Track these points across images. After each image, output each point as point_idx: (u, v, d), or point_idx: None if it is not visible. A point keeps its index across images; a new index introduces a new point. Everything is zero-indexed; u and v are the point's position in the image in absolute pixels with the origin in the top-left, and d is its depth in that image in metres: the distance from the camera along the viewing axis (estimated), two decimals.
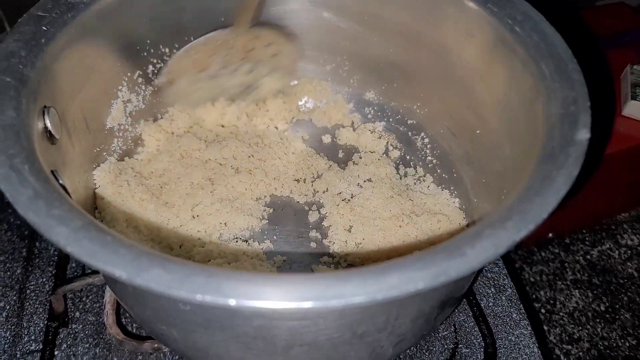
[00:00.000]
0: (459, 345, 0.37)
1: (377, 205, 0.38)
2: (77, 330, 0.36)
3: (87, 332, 0.36)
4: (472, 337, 0.37)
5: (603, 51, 0.58)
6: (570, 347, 0.56)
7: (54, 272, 0.39)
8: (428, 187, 0.40)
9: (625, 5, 0.67)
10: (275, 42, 0.37)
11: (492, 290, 0.40)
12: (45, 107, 0.28)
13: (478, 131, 0.36)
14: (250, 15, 0.35)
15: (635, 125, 0.54)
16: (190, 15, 0.37)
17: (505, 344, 0.37)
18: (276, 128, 0.43)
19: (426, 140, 0.42)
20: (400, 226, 0.37)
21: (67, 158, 0.31)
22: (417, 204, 0.38)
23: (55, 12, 0.30)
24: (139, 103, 0.38)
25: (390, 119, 0.44)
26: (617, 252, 0.64)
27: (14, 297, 0.38)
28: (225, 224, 0.36)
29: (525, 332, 0.38)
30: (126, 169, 0.37)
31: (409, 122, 0.43)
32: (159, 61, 0.38)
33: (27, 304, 0.38)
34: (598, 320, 0.59)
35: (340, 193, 0.39)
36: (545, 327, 0.57)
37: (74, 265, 0.39)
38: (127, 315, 0.36)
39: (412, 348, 0.36)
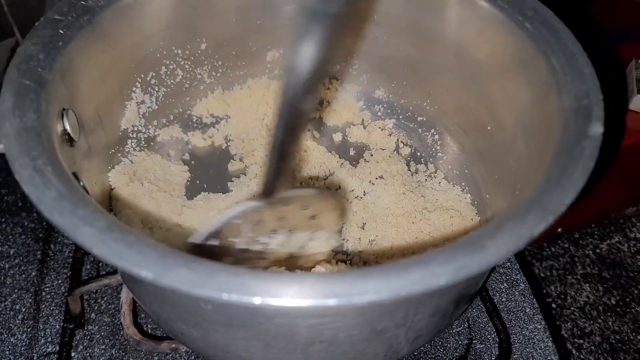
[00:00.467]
0: (473, 341, 0.37)
1: (389, 202, 0.38)
2: (93, 331, 0.36)
3: (103, 333, 0.36)
4: (486, 333, 0.37)
5: (610, 45, 0.58)
6: (582, 341, 0.56)
7: (69, 274, 0.39)
8: (439, 183, 0.40)
9: (629, 0, 0.67)
10: (312, 204, 0.30)
11: (505, 285, 0.40)
12: (63, 109, 0.28)
13: (489, 127, 0.37)
14: (280, 184, 0.26)
15: None
16: (204, 17, 0.37)
17: (519, 339, 0.37)
18: None
19: (436, 136, 0.42)
20: (413, 222, 0.37)
21: (84, 160, 0.31)
22: (429, 200, 0.39)
23: (71, 15, 0.30)
24: (152, 104, 0.39)
25: (400, 116, 0.44)
26: (626, 245, 0.64)
27: (30, 300, 0.38)
28: None
29: (539, 327, 0.38)
30: (140, 170, 0.37)
31: (419, 119, 0.43)
32: (172, 62, 0.38)
33: (43, 306, 0.38)
34: (609, 314, 0.59)
35: (352, 191, 0.39)
36: (557, 322, 0.57)
37: (88, 267, 0.40)
38: (144, 315, 0.37)
39: (426, 345, 0.36)
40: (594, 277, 0.62)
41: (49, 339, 0.36)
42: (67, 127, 0.28)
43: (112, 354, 0.35)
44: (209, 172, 0.40)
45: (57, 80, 0.28)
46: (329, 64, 0.20)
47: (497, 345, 0.37)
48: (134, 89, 0.37)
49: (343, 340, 0.25)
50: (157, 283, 0.19)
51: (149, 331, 0.36)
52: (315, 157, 0.41)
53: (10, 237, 0.42)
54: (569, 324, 0.58)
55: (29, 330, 0.37)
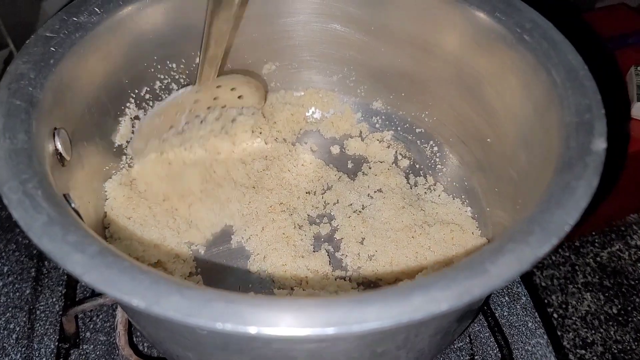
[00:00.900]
0: (475, 357, 0.36)
1: (388, 217, 0.38)
2: (88, 350, 0.36)
3: (98, 352, 0.35)
4: (488, 348, 0.37)
5: (608, 53, 0.57)
6: (584, 351, 0.56)
7: (63, 292, 0.38)
8: (439, 196, 0.40)
9: (626, 6, 0.67)
10: (238, 86, 0.37)
11: (507, 299, 0.39)
12: (55, 128, 0.28)
13: (489, 139, 0.36)
14: (213, 72, 0.34)
15: None
16: (197, 31, 0.37)
17: (522, 354, 0.37)
18: (284, 140, 0.42)
19: (435, 148, 0.42)
20: (412, 237, 0.36)
21: (77, 178, 0.30)
22: (428, 213, 0.38)
23: (63, 32, 0.30)
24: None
25: (399, 128, 0.43)
26: (627, 253, 0.64)
27: (24, 319, 0.38)
28: None
29: (541, 342, 0.37)
30: (136, 182, 0.37)
31: (417, 130, 0.43)
32: (166, 77, 0.38)
33: (38, 325, 0.37)
34: (611, 323, 0.59)
35: (351, 204, 0.39)
36: (559, 332, 0.57)
37: (83, 284, 0.39)
38: (139, 335, 0.36)
39: None
40: (595, 286, 0.62)
41: (44, 359, 0.35)
42: (59, 147, 0.27)
43: None
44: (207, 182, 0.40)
45: (49, 99, 0.27)
46: None
47: None
48: (127, 104, 0.36)
49: None
50: (149, 312, 0.19)
51: (145, 350, 0.36)
52: (312, 170, 0.41)
53: (3, 254, 0.41)
54: (570, 334, 0.57)
55: (23, 350, 0.36)
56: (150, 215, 0.35)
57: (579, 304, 0.60)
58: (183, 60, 0.38)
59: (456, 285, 0.19)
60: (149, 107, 0.38)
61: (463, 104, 0.38)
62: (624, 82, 0.55)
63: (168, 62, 0.37)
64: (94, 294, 0.38)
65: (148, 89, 0.37)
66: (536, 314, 0.39)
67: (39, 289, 0.39)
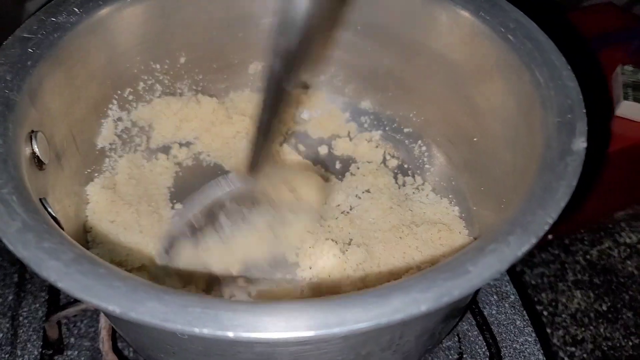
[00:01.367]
0: (464, 355, 0.36)
1: (376, 217, 0.37)
2: (72, 356, 0.35)
3: (82, 358, 0.35)
4: (477, 347, 0.37)
5: (593, 52, 0.58)
6: (574, 349, 0.56)
7: (46, 298, 0.38)
8: (427, 195, 0.40)
9: (613, 5, 0.67)
10: (293, 181, 0.31)
11: (495, 297, 0.39)
12: (32, 131, 0.27)
13: (476, 139, 0.36)
14: (265, 164, 0.28)
15: (629, 125, 0.54)
16: (182, 30, 0.37)
17: (510, 352, 0.37)
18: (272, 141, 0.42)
19: (423, 148, 0.42)
20: (400, 237, 0.36)
21: (57, 182, 0.30)
22: (416, 213, 0.38)
23: (41, 33, 0.29)
24: (129, 121, 0.38)
25: (387, 128, 0.43)
26: (616, 250, 0.64)
27: (7, 325, 0.37)
28: None
29: (529, 339, 0.37)
30: (119, 184, 0.36)
31: (405, 130, 0.43)
32: (150, 77, 0.38)
33: (21, 331, 0.37)
34: (600, 320, 0.59)
35: (338, 205, 0.39)
36: (549, 330, 0.57)
37: None
38: (124, 340, 0.36)
39: None
40: (585, 284, 0.62)
41: None
42: (36, 150, 0.27)
43: None
44: (192, 183, 0.39)
45: (26, 101, 0.27)
46: (312, 43, 0.21)
47: (487, 358, 0.36)
48: (110, 105, 0.36)
49: None
50: (126, 317, 0.19)
51: (130, 355, 0.35)
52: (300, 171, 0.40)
53: None
54: (560, 331, 0.57)
55: (6, 356, 0.35)
56: (133, 219, 0.34)
57: (568, 301, 0.60)
58: (167, 61, 0.38)
59: (436, 286, 0.19)
60: (133, 109, 0.38)
61: (450, 104, 0.38)
62: (607, 81, 0.56)
63: (151, 63, 0.37)
64: (76, 299, 0.38)
65: (131, 90, 0.37)
66: (524, 312, 0.39)
67: (22, 294, 0.38)
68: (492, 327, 0.37)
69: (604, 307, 0.61)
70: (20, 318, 0.37)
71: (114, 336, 0.35)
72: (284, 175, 0.31)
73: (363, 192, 0.39)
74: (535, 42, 0.30)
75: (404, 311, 0.19)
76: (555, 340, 0.57)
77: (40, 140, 0.27)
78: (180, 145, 0.41)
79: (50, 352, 0.35)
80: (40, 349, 0.35)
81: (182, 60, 0.38)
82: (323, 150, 0.43)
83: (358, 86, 0.43)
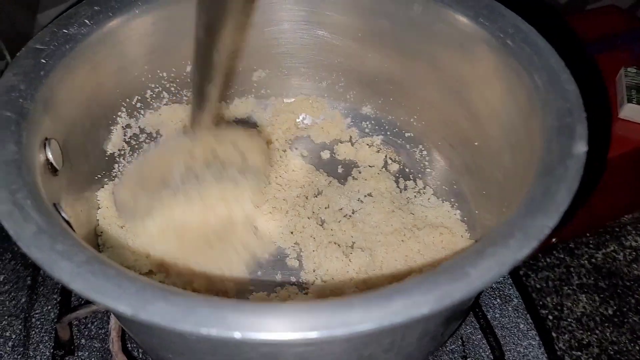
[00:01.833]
0: (467, 359, 0.37)
1: (378, 220, 0.38)
2: (83, 357, 0.36)
3: (93, 359, 0.36)
4: (480, 350, 0.37)
5: (596, 54, 0.58)
6: (579, 353, 0.56)
7: (58, 300, 0.39)
8: (428, 199, 0.40)
9: (616, 8, 0.67)
10: (240, 141, 0.32)
11: (498, 300, 0.40)
12: (46, 139, 0.28)
13: (476, 143, 0.37)
14: (208, 116, 0.30)
15: (633, 127, 0.54)
16: (188, 40, 0.37)
17: (514, 356, 0.37)
18: (276, 147, 0.43)
19: (424, 152, 0.42)
20: (402, 241, 0.37)
21: (69, 187, 0.31)
22: (418, 217, 0.39)
23: (53, 44, 0.30)
24: (137, 128, 0.39)
25: (388, 132, 0.44)
26: (621, 254, 0.64)
27: (20, 326, 0.38)
28: None
29: (533, 343, 0.37)
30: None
31: (406, 135, 0.43)
32: (157, 85, 0.39)
33: (33, 332, 0.37)
34: (606, 324, 0.59)
35: (341, 209, 0.39)
36: (554, 334, 0.57)
37: None
38: (133, 341, 0.36)
39: None
40: (590, 288, 0.62)
41: None
42: (50, 157, 0.28)
43: None
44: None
45: (40, 110, 0.28)
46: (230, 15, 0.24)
47: None
48: (119, 113, 0.37)
49: None
50: (136, 318, 0.19)
51: (140, 356, 0.36)
52: (303, 175, 0.41)
53: (0, 263, 0.42)
54: (566, 335, 0.57)
55: (19, 357, 0.36)
56: (141, 224, 0.35)
57: (574, 305, 0.60)
58: (174, 69, 0.39)
59: (437, 288, 0.20)
60: (141, 116, 0.39)
61: (450, 108, 0.38)
62: (611, 82, 0.56)
63: (159, 71, 0.38)
64: (88, 301, 0.38)
65: (139, 98, 0.38)
66: (528, 315, 0.39)
67: (35, 297, 0.39)
68: (495, 330, 0.38)
69: (610, 311, 0.60)
70: (33, 320, 0.38)
71: (123, 337, 0.35)
72: (230, 135, 0.32)
73: (365, 196, 0.40)
74: (534, 46, 0.31)
75: (406, 313, 0.19)
76: (560, 345, 0.57)
77: (54, 147, 0.28)
78: None
79: (62, 353, 0.36)
80: (51, 350, 0.36)
81: (188, 68, 0.39)
82: (325, 155, 0.43)
83: (359, 92, 0.44)
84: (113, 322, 0.35)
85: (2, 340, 0.37)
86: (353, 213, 0.39)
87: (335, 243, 0.37)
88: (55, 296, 0.39)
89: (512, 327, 0.38)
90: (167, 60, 0.38)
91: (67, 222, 0.26)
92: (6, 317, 0.39)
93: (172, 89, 0.39)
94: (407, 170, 0.42)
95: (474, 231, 0.37)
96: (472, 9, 0.33)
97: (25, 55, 0.29)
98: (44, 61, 0.29)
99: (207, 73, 0.27)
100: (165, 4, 0.35)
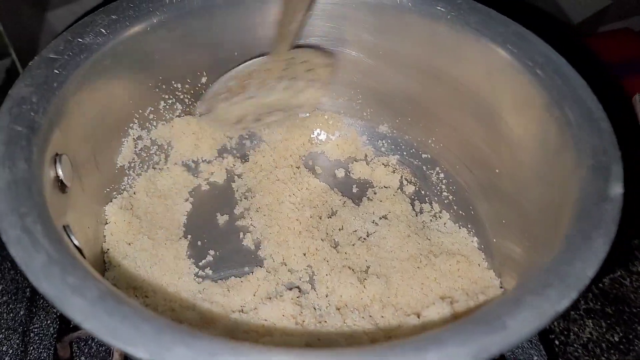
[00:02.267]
0: None
1: (393, 245, 0.37)
2: None
3: None
4: None
5: (614, 79, 0.57)
6: None
7: (58, 314, 0.37)
8: (445, 224, 0.39)
9: (630, 30, 0.66)
10: (310, 59, 0.38)
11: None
12: (57, 154, 0.27)
13: (497, 170, 0.36)
14: (287, 45, 0.35)
15: None
16: (203, 51, 0.36)
17: None
18: (290, 165, 0.42)
19: (441, 175, 0.41)
20: (418, 267, 0.35)
21: (77, 202, 0.29)
22: (434, 243, 0.37)
23: (67, 54, 0.29)
24: (149, 139, 0.37)
25: (404, 152, 0.43)
26: (628, 279, 0.63)
27: (17, 341, 0.36)
28: None
29: None
30: (136, 205, 0.36)
31: (423, 155, 0.42)
32: (171, 96, 0.37)
33: (31, 348, 0.36)
34: (612, 351, 0.58)
35: (355, 231, 0.38)
36: None
37: None
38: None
39: None
40: (597, 313, 0.61)
41: None
42: (60, 174, 0.26)
43: None
44: (209, 202, 0.39)
45: (51, 124, 0.26)
46: None
47: None
48: (131, 124, 0.35)
49: None
50: None
51: None
52: (317, 194, 0.40)
53: None
54: None
55: None
56: (149, 244, 0.34)
57: (580, 330, 0.59)
58: (188, 80, 0.37)
59: (473, 341, 0.19)
60: (153, 127, 0.37)
61: (471, 132, 0.37)
62: (632, 109, 0.55)
63: (173, 82, 0.37)
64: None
65: (152, 109, 0.37)
66: (541, 347, 0.38)
67: (34, 310, 0.38)
68: None
69: (616, 338, 0.60)
70: (31, 334, 0.37)
71: (126, 357, 0.34)
72: (302, 54, 0.37)
73: (380, 218, 0.39)
74: (564, 78, 0.30)
75: None
76: None
77: (65, 163, 0.27)
78: (198, 164, 0.41)
79: None
80: None
81: (204, 80, 0.38)
82: (340, 173, 0.42)
83: (376, 110, 0.43)
84: None
85: None
86: (368, 236, 0.38)
87: (349, 267, 0.36)
88: (55, 310, 0.38)
89: (525, 358, 0.37)
90: (182, 71, 0.37)
91: (78, 249, 0.25)
92: (3, 331, 0.37)
93: (186, 100, 0.38)
94: (423, 192, 0.41)
95: (492, 260, 0.36)
96: (500, 35, 0.32)
97: (38, 65, 0.28)
98: (57, 72, 0.28)
99: (294, 10, 0.33)
100: (183, 16, 0.34)
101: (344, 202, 0.40)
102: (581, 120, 0.28)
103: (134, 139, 0.36)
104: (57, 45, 0.29)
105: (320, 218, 0.39)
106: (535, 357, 0.37)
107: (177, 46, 0.35)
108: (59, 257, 0.20)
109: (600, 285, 0.62)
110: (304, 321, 0.31)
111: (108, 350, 0.36)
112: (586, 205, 0.23)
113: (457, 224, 0.39)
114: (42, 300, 0.38)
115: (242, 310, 0.32)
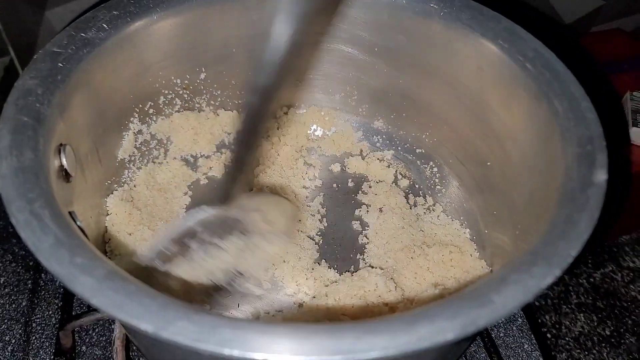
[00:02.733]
0: None
1: (388, 236, 0.38)
2: None
3: None
4: None
5: (604, 77, 0.58)
6: None
7: (60, 305, 0.38)
8: (438, 217, 0.40)
9: (621, 31, 0.68)
10: (266, 208, 0.32)
11: (503, 320, 0.40)
12: (61, 144, 0.28)
13: (489, 162, 0.37)
14: (242, 189, 0.30)
15: (637, 151, 0.54)
16: (203, 47, 0.37)
17: None
18: (286, 158, 0.43)
19: (435, 169, 0.42)
20: (412, 257, 0.36)
21: (80, 193, 0.30)
22: (427, 234, 0.39)
23: (70, 48, 0.30)
24: (149, 134, 0.38)
25: (399, 148, 0.44)
26: (619, 274, 0.64)
27: (20, 331, 0.37)
28: None
29: None
30: (136, 197, 0.37)
31: (417, 151, 0.43)
32: (170, 92, 0.38)
33: (33, 337, 0.37)
34: (604, 344, 0.59)
35: (351, 224, 0.39)
36: (552, 353, 0.57)
37: (80, 298, 0.38)
38: (135, 349, 0.36)
39: None
40: (588, 307, 0.62)
41: None
42: (64, 163, 0.27)
43: None
44: (208, 196, 0.39)
45: (56, 115, 0.27)
46: (287, 79, 0.23)
47: None
48: (131, 119, 0.36)
49: None
50: (158, 336, 0.19)
51: None
52: (313, 189, 0.41)
53: (0, 265, 0.41)
54: (564, 354, 0.57)
55: None
56: (149, 234, 0.35)
57: (572, 324, 0.61)
58: (188, 76, 0.38)
59: (461, 315, 0.20)
60: (152, 122, 0.38)
61: (464, 127, 0.38)
62: (619, 105, 0.56)
63: (173, 78, 0.38)
64: (91, 308, 0.38)
65: (152, 104, 0.37)
66: (532, 335, 0.39)
67: (36, 301, 0.39)
68: (500, 349, 0.38)
69: (607, 332, 0.61)
70: (34, 325, 0.37)
71: (127, 347, 0.35)
72: (256, 202, 0.32)
73: (375, 211, 0.40)
74: (553, 72, 0.31)
75: (430, 340, 0.19)
76: None
77: (68, 153, 0.28)
78: (197, 158, 0.41)
79: (62, 359, 0.35)
80: (52, 356, 0.35)
81: (202, 75, 0.39)
82: (336, 168, 0.43)
83: (372, 106, 0.44)
84: (117, 331, 0.34)
85: (1, 344, 0.36)
86: (363, 229, 0.39)
87: (344, 259, 0.37)
88: (56, 301, 0.38)
89: (516, 346, 0.38)
90: (182, 66, 0.37)
91: (82, 231, 0.26)
92: (6, 321, 0.38)
93: (185, 95, 0.39)
94: (417, 186, 0.42)
95: (484, 250, 0.37)
96: (492, 31, 0.34)
97: (42, 58, 0.29)
98: (61, 65, 0.29)
99: (249, 152, 0.27)
100: (183, 11, 0.35)
101: (340, 196, 0.41)
102: (569, 110, 0.29)
103: (134, 132, 0.37)
104: (60, 39, 0.30)
105: (318, 212, 0.40)
106: (526, 345, 0.38)
107: (177, 42, 0.36)
108: (66, 239, 0.21)
109: (592, 280, 0.63)
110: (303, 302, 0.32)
111: (109, 340, 0.36)
112: (571, 191, 0.25)
113: (449, 216, 0.40)
114: (43, 292, 0.39)
115: None
